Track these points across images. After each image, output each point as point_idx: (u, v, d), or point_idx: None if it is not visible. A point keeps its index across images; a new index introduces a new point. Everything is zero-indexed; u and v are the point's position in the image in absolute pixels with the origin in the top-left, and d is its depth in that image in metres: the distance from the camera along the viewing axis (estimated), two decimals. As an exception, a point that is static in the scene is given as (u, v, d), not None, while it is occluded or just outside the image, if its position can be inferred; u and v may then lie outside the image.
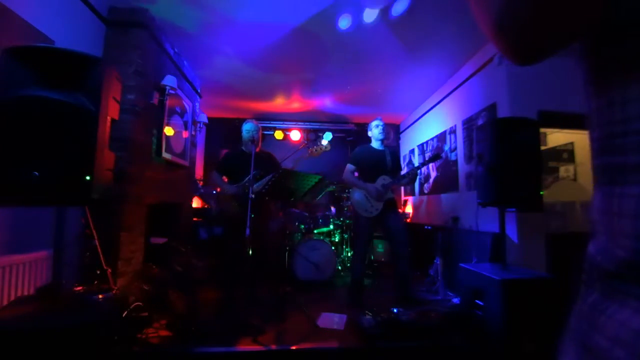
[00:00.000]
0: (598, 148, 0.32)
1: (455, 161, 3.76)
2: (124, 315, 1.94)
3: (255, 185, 2.47)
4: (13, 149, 1.26)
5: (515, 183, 2.17)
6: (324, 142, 2.70)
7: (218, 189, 3.00)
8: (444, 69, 3.73)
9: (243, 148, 2.90)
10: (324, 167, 5.02)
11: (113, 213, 2.33)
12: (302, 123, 5.73)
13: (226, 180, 2.89)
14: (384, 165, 2.93)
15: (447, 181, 3.99)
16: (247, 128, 2.85)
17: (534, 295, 1.98)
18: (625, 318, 0.27)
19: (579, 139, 3.43)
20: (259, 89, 4.36)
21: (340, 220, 4.38)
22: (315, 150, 2.66)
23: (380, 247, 4.30)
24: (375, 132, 3.00)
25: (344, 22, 2.77)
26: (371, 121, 3.06)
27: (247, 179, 2.58)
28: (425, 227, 4.18)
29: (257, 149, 2.83)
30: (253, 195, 2.35)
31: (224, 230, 3.34)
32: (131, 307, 2.03)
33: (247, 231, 2.21)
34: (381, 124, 3.00)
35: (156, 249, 2.92)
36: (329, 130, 5.76)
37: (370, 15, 2.61)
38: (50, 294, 1.45)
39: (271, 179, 2.22)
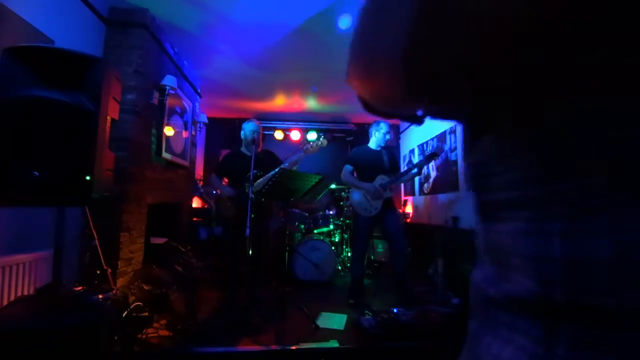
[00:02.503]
0: (473, 186, 0.32)
1: (455, 161, 3.75)
2: (124, 315, 1.94)
3: (255, 184, 2.46)
4: (13, 149, 1.26)
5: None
6: (320, 137, 2.63)
7: (218, 191, 2.98)
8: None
9: (242, 149, 2.83)
10: (324, 168, 5.02)
11: (113, 213, 2.33)
12: (302, 123, 5.72)
13: (226, 182, 2.87)
14: (382, 165, 2.93)
15: (447, 181, 3.99)
16: (249, 128, 2.78)
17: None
18: (496, 351, 0.26)
19: (579, 139, 3.42)
20: (259, 89, 4.36)
21: (340, 220, 4.38)
22: (312, 147, 2.58)
23: (380, 247, 4.30)
24: (379, 136, 2.96)
25: (344, 22, 2.78)
26: (379, 122, 2.99)
27: (246, 177, 2.57)
28: (425, 227, 4.18)
29: (258, 149, 2.82)
30: (253, 195, 2.35)
31: (224, 231, 3.34)
32: (131, 307, 2.03)
33: (247, 231, 2.21)
34: (389, 132, 2.97)
35: (156, 249, 2.92)
36: (328, 130, 5.77)
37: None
38: (51, 294, 1.45)
39: (271, 178, 2.21)
